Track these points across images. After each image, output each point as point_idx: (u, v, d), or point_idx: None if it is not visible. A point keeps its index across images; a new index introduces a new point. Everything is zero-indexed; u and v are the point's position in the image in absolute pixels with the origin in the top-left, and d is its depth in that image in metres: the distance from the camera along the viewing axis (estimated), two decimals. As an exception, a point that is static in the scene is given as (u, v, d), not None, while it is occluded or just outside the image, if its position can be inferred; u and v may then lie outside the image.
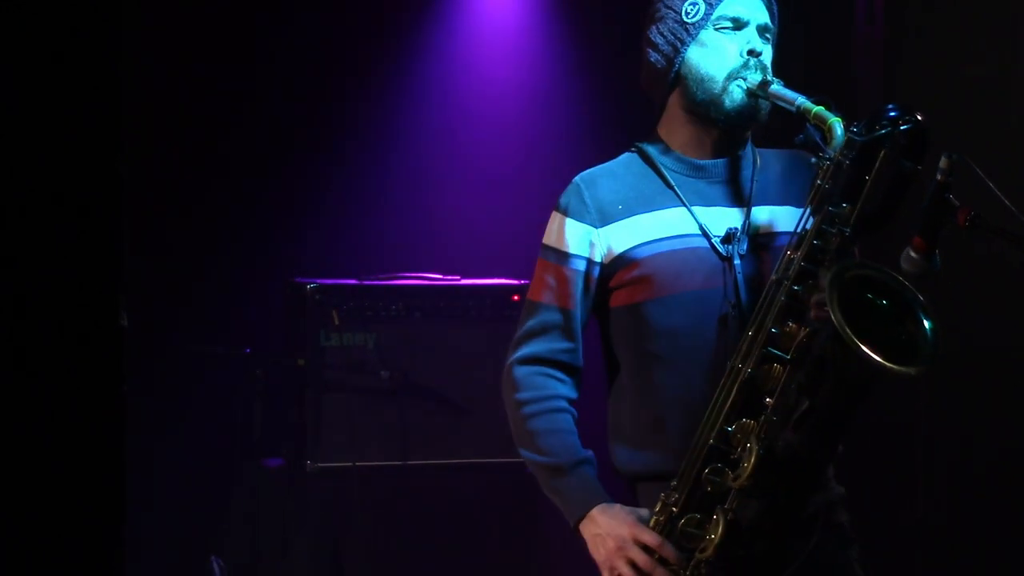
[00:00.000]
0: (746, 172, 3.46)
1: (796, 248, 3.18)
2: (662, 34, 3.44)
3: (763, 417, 3.11)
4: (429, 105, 6.82)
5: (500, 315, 5.66)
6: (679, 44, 3.40)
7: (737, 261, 3.35)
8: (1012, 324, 6.19)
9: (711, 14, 3.38)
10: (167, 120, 6.16)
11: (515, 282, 5.71)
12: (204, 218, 6.34)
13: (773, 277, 3.20)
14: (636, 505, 3.36)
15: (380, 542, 5.62)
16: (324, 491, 5.62)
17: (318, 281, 5.74)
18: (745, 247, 3.37)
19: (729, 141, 3.45)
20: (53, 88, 1.32)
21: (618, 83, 6.32)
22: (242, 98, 6.44)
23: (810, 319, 3.11)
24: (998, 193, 3.16)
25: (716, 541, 3.11)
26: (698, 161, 3.45)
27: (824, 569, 3.32)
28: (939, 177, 3.13)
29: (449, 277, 5.92)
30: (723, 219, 3.40)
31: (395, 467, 5.64)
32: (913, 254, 3.14)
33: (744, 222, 3.40)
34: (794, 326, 3.13)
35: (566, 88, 6.96)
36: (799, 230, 3.20)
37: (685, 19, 3.40)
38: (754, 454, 3.07)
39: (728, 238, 3.37)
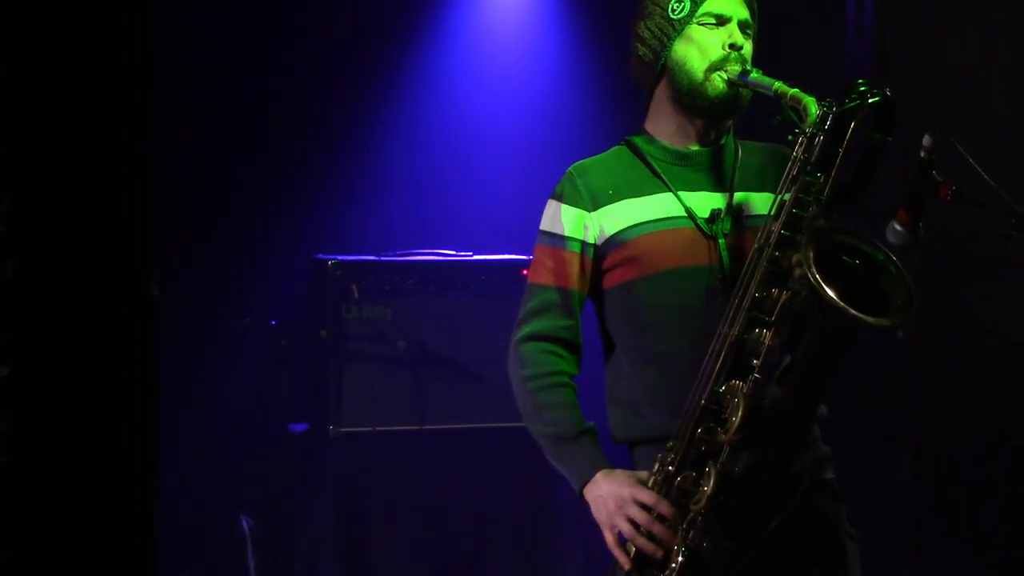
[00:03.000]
0: (728, 160, 3.48)
1: (776, 217, 3.20)
2: (649, 29, 3.47)
3: (750, 376, 3.13)
4: (445, 91, 6.81)
5: (509, 288, 5.66)
6: (665, 38, 3.44)
7: (721, 240, 3.37)
8: (997, 294, 6.19)
9: (695, 11, 3.41)
10: (201, 107, 6.15)
11: (524, 257, 5.70)
12: (234, 200, 6.34)
13: (755, 245, 3.21)
14: (634, 469, 3.37)
15: (398, 501, 5.63)
16: (345, 454, 5.63)
17: (339, 257, 5.74)
18: (728, 227, 3.39)
19: (712, 130, 3.48)
20: (90, 72, 1.33)
21: (625, 70, 6.32)
22: (270, 88, 6.44)
23: (791, 283, 3.12)
24: (978, 169, 3.16)
25: (708, 493, 3.11)
26: (683, 150, 3.47)
27: (816, 521, 3.34)
28: (923, 154, 3.14)
29: (462, 253, 5.92)
30: (707, 202, 3.42)
31: (412, 431, 5.65)
32: (898, 227, 3.16)
33: (727, 205, 3.42)
34: (776, 291, 3.14)
35: (576, 73, 6.94)
36: (777, 200, 3.22)
37: (671, 15, 3.43)
38: (741, 409, 3.09)
39: (712, 218, 3.39)
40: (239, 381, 6.06)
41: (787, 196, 3.20)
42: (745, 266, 3.22)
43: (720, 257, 3.37)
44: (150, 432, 1.42)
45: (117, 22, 1.35)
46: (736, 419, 3.09)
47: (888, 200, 3.26)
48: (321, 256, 5.79)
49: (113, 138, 1.35)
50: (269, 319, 5.86)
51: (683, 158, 3.47)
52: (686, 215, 3.40)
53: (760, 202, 3.42)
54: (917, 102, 5.73)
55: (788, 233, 3.17)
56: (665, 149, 3.48)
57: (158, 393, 1.43)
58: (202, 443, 5.96)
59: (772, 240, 3.18)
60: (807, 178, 3.19)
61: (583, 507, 3.36)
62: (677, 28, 3.42)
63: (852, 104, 3.17)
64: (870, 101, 3.17)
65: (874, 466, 6.13)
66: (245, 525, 5.69)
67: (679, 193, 3.42)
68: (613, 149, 3.56)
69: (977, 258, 5.78)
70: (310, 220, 6.38)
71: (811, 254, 3.02)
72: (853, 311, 2.99)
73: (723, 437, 3.13)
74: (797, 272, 3.10)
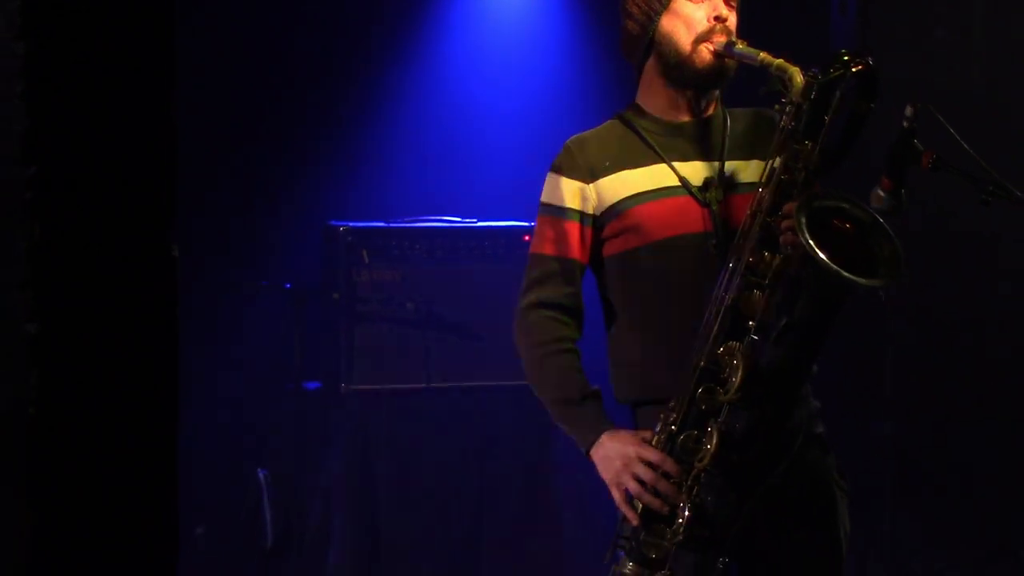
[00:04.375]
0: (717, 129, 3.47)
1: (766, 184, 3.19)
2: (637, 4, 3.44)
3: (746, 337, 3.12)
4: (451, 65, 6.79)
5: (512, 253, 5.67)
6: (652, 13, 3.41)
7: (715, 207, 3.36)
8: (976, 257, 6.19)
9: None
10: (220, 80, 6.14)
11: (525, 224, 5.70)
12: (251, 170, 6.34)
13: (748, 211, 3.20)
14: (637, 429, 3.37)
15: (406, 455, 5.63)
16: (357, 411, 5.63)
17: (350, 224, 5.74)
18: (722, 195, 3.38)
19: (701, 100, 3.46)
20: (112, 40, 1.32)
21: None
22: (287, 63, 6.43)
23: (782, 246, 3.12)
24: (957, 137, 3.15)
25: (712, 450, 3.11)
26: (674, 121, 3.46)
27: (807, 473, 3.34)
28: (905, 124, 3.14)
29: (467, 220, 5.92)
30: (700, 172, 3.41)
31: (419, 389, 5.65)
32: (881, 192, 3.16)
33: (719, 173, 3.41)
34: (769, 255, 3.14)
35: (578, 45, 6.92)
36: (768, 168, 3.22)
37: None
38: (741, 369, 3.08)
39: (706, 186, 3.38)
40: (256, 341, 6.07)
41: (776, 164, 3.19)
42: (738, 232, 3.21)
43: (714, 224, 3.36)
44: (172, 388, 1.42)
45: (140, 9, 1.34)
46: (736, 379, 3.09)
47: (872, 167, 3.25)
48: (333, 223, 5.79)
49: (135, 107, 1.34)
50: (284, 282, 5.86)
51: (675, 129, 3.46)
52: (681, 185, 3.39)
53: (750, 169, 3.41)
54: (899, 75, 5.72)
55: (779, 199, 3.16)
56: (657, 121, 3.47)
57: (178, 348, 1.43)
58: (220, 400, 5.97)
59: (764, 206, 3.17)
60: (795, 146, 3.18)
61: (581, 458, 3.36)
62: (663, 3, 3.40)
63: (836, 74, 3.16)
64: (853, 70, 3.15)
65: (857, 419, 6.14)
66: (262, 477, 5.70)
67: (673, 163, 3.41)
68: (606, 123, 3.54)
69: (958, 221, 5.78)
70: (323, 188, 6.38)
71: (803, 219, 3.02)
72: (846, 274, 2.99)
73: (723, 396, 3.12)
74: (790, 237, 3.09)
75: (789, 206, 3.12)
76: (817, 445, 3.39)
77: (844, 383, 5.95)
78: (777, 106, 3.23)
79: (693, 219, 3.37)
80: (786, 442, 3.24)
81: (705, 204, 3.37)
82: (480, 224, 5.88)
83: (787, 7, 6.29)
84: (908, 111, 3.13)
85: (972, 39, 6.56)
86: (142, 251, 1.36)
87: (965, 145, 3.15)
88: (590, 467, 3.33)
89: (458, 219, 5.93)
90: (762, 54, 3.26)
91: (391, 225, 5.81)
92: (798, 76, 3.18)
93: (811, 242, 2.98)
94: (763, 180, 3.21)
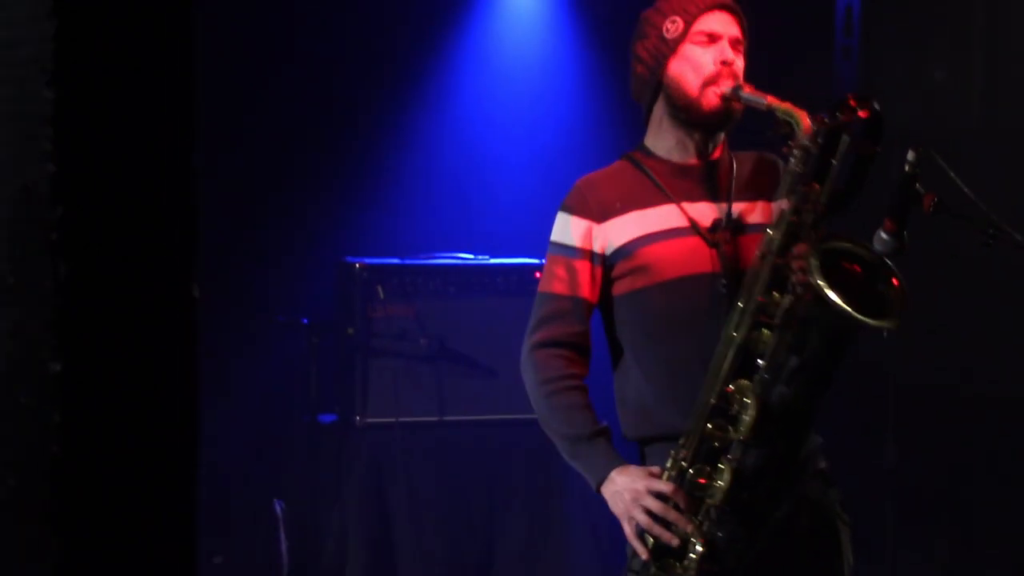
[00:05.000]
0: (724, 171, 3.45)
1: (776, 226, 3.19)
2: (646, 49, 3.43)
3: (757, 376, 3.12)
4: (465, 107, 6.82)
5: (524, 289, 5.67)
6: (661, 57, 3.40)
7: (723, 248, 3.35)
8: (977, 292, 6.18)
9: (688, 30, 3.37)
10: (238, 123, 6.16)
11: (536, 261, 5.71)
12: (270, 208, 6.37)
13: (758, 253, 3.20)
14: (645, 466, 3.35)
15: (419, 486, 5.63)
16: (371, 443, 5.63)
17: (366, 260, 5.75)
18: (729, 236, 3.36)
19: (708, 142, 3.45)
20: (134, 86, 1.33)
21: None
22: (304, 107, 6.46)
23: (792, 286, 3.12)
24: (958, 181, 3.16)
25: (725, 487, 3.10)
26: (682, 163, 3.44)
27: (811, 507, 3.33)
28: (907, 167, 3.14)
29: (479, 257, 5.93)
30: (708, 212, 3.39)
31: (433, 422, 5.65)
32: (884, 235, 3.16)
33: (726, 214, 3.39)
34: (779, 295, 3.13)
35: (586, 88, 6.94)
36: (777, 210, 3.22)
37: (666, 35, 3.39)
38: (754, 409, 3.08)
39: (714, 228, 3.36)
40: (273, 375, 6.08)
41: (785, 206, 3.19)
42: (748, 272, 3.21)
43: (723, 264, 3.34)
44: (193, 423, 1.42)
45: (159, 35, 1.35)
46: (749, 418, 3.09)
47: (875, 210, 3.25)
48: (349, 259, 5.80)
49: (157, 153, 1.35)
50: (301, 317, 5.86)
51: (683, 170, 3.43)
52: (690, 226, 3.37)
53: (756, 211, 3.41)
54: (901, 117, 5.72)
55: (788, 240, 3.16)
56: (665, 162, 3.44)
57: (199, 386, 1.43)
58: (238, 432, 5.97)
59: (773, 247, 3.16)
60: (803, 188, 3.17)
61: (592, 491, 3.35)
62: (671, 47, 3.38)
63: (843, 118, 3.16)
64: (859, 115, 3.15)
65: (860, 453, 6.12)
66: (278, 509, 5.70)
67: (682, 204, 3.39)
68: (616, 164, 3.52)
69: (958, 260, 5.78)
70: (339, 226, 6.40)
71: (814, 261, 3.02)
72: (858, 315, 2.98)
73: (735, 434, 3.12)
74: (801, 277, 3.09)
75: (800, 247, 3.12)
76: (820, 479, 3.38)
77: (846, 416, 5.94)
78: (784, 148, 3.23)
79: (702, 260, 3.35)
80: (794, 478, 3.24)
81: (713, 245, 3.35)
82: (492, 261, 5.89)
83: (790, 51, 6.30)
84: (910, 155, 3.13)
85: (972, 81, 6.57)
86: (164, 291, 1.37)
87: (966, 189, 3.16)
88: (601, 500, 3.32)
89: (471, 256, 5.94)
90: (768, 98, 3.25)
91: (405, 262, 5.82)
92: (805, 120, 3.17)
93: (823, 283, 2.98)
94: (772, 222, 3.21)
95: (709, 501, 3.13)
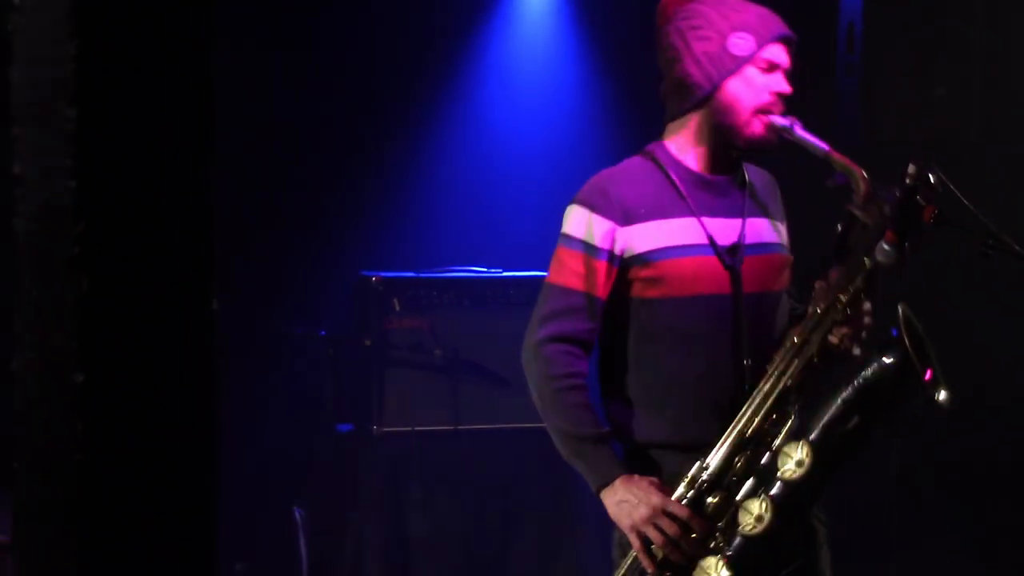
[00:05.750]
0: (739, 187, 3.43)
1: (848, 280, 3.17)
2: (707, 55, 3.31)
3: (810, 424, 3.12)
4: (478, 127, 6.82)
5: (535, 301, 5.67)
6: (724, 71, 3.30)
7: (738, 270, 3.32)
8: (978, 302, 6.17)
9: (756, 53, 3.31)
10: (256, 142, 6.17)
11: (547, 275, 5.70)
12: (288, 223, 6.37)
13: (816, 304, 3.18)
14: (638, 468, 3.32)
15: (434, 494, 5.63)
16: (387, 452, 5.63)
17: (382, 274, 5.75)
18: (743, 256, 3.34)
19: (736, 161, 3.42)
20: (152, 101, 1.33)
21: (642, 95, 6.33)
22: (321, 127, 6.47)
23: (857, 346, 3.12)
24: (958, 194, 3.16)
25: (767, 524, 3.09)
26: (706, 176, 3.38)
27: None
28: (908, 180, 3.13)
29: (492, 270, 5.93)
30: (725, 230, 3.36)
31: (447, 431, 5.65)
32: (886, 246, 3.15)
33: (741, 233, 3.36)
34: (838, 340, 3.14)
35: (597, 102, 6.94)
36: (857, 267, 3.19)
37: (732, 50, 3.29)
38: (809, 457, 3.08)
39: (733, 250, 3.34)
40: (292, 386, 6.07)
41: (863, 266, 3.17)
42: (807, 317, 3.19)
43: (734, 286, 3.32)
44: (211, 433, 1.42)
45: (178, 53, 1.35)
46: (804, 465, 3.09)
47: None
48: (366, 273, 5.80)
49: (176, 169, 1.35)
50: (319, 329, 5.87)
51: (706, 184, 3.38)
52: (708, 243, 3.32)
53: (767, 229, 3.40)
54: (902, 133, 5.72)
55: (853, 307, 3.17)
56: (689, 172, 3.38)
57: (218, 397, 1.43)
58: (258, 442, 5.97)
59: (835, 313, 3.16)
60: (879, 242, 3.14)
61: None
62: (736, 64, 3.30)
63: (909, 198, 3.13)
64: (919, 187, 3.12)
65: (865, 460, 6.11)
66: (298, 516, 5.69)
67: (703, 219, 3.33)
68: (636, 160, 3.44)
69: (959, 270, 5.76)
70: (357, 241, 6.40)
71: (907, 335, 3.03)
72: (944, 394, 3.09)
73: (785, 476, 3.10)
74: (868, 326, 3.11)
75: (866, 307, 3.14)
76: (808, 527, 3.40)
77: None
78: (848, 205, 3.17)
79: (716, 280, 3.32)
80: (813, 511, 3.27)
81: (728, 267, 3.32)
82: (505, 274, 5.89)
83: (793, 66, 6.30)
84: (911, 168, 3.13)
85: (971, 98, 6.56)
86: (183, 304, 1.37)
87: (965, 201, 3.16)
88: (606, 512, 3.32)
89: (484, 269, 5.93)
90: (824, 147, 3.21)
91: (421, 275, 5.82)
92: (863, 183, 3.13)
93: (915, 357, 3.00)
94: (848, 272, 3.19)
95: (747, 532, 3.10)
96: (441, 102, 6.78)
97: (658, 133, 3.49)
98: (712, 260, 3.32)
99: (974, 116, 6.54)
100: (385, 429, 5.62)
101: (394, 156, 6.64)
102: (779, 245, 3.42)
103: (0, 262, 1.62)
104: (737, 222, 3.37)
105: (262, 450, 6.00)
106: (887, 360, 3.07)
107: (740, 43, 3.30)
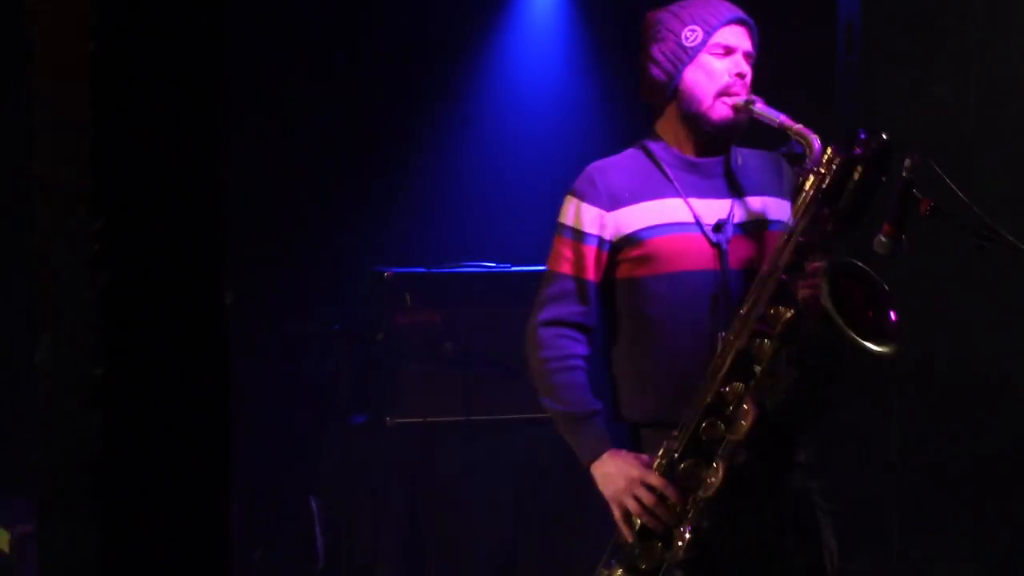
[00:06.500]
0: (730, 169, 3.47)
1: (785, 243, 3.19)
2: (663, 53, 3.44)
3: (753, 382, 3.13)
4: (485, 125, 6.82)
5: (544, 295, 5.70)
6: (679, 63, 3.41)
7: (724, 247, 3.36)
8: (972, 293, 6.16)
9: (707, 40, 3.40)
10: (267, 138, 6.18)
11: (556, 269, 5.72)
12: (303, 221, 6.38)
13: (765, 268, 3.21)
14: (634, 446, 3.41)
15: (446, 482, 5.63)
16: (400, 442, 5.63)
17: (394, 270, 5.75)
18: (731, 234, 3.38)
19: (717, 144, 3.47)
20: (166, 99, 1.33)
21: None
22: (335, 122, 6.47)
23: (797, 302, 3.12)
24: (953, 187, 3.16)
25: (717, 483, 3.14)
26: (692, 159, 3.46)
27: (791, 498, 3.34)
28: (904, 174, 3.14)
29: (502, 265, 5.93)
30: (713, 209, 3.41)
31: (458, 421, 5.65)
32: (883, 239, 3.16)
33: (730, 212, 3.40)
34: (782, 308, 3.14)
35: (601, 101, 6.94)
36: (788, 229, 3.22)
37: (684, 43, 3.40)
38: (751, 415, 3.10)
39: (718, 227, 3.38)
40: (307, 379, 6.08)
41: (795, 226, 3.20)
42: (754, 283, 3.22)
43: (721, 263, 3.36)
44: (225, 423, 1.43)
45: (193, 52, 1.36)
46: (746, 423, 3.11)
47: (875, 214, 3.25)
48: (378, 268, 5.80)
49: (191, 167, 1.36)
50: (333, 324, 5.87)
51: (693, 166, 3.45)
52: (694, 222, 3.39)
53: (759, 207, 3.43)
54: (899, 128, 5.70)
55: (796, 259, 3.16)
56: (677, 157, 3.46)
57: (230, 390, 1.44)
58: (276, 434, 5.98)
59: (781, 264, 3.17)
60: (814, 211, 3.18)
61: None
62: (690, 55, 3.40)
63: (856, 150, 3.15)
64: (873, 148, 3.15)
65: (862, 445, 6.11)
66: (314, 504, 5.70)
67: (689, 199, 3.41)
68: (629, 151, 3.54)
69: (954, 261, 5.76)
70: (370, 237, 6.41)
71: (826, 285, 3.03)
72: (859, 338, 3.00)
73: (731, 435, 3.14)
74: (807, 293, 3.10)
75: (812, 266, 3.13)
76: (801, 471, 3.38)
77: (848, 408, 5.92)
78: (796, 169, 3.24)
79: (702, 256, 3.37)
80: (782, 479, 3.25)
81: (715, 244, 3.37)
82: (513, 269, 5.89)
83: (793, 68, 6.29)
84: (908, 162, 3.14)
85: (968, 96, 6.56)
86: (197, 298, 1.38)
87: (961, 194, 3.16)
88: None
89: (494, 264, 5.94)
90: (781, 118, 3.27)
91: (431, 271, 5.82)
92: (816, 144, 3.18)
93: (831, 306, 2.99)
94: (782, 241, 3.22)
95: (700, 494, 3.15)
96: (451, 93, 6.78)
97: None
98: (698, 237, 3.38)
99: (972, 114, 6.53)
100: (397, 420, 5.62)
101: (406, 155, 6.64)
102: (775, 222, 3.44)
103: (20, 259, 1.63)
104: (726, 202, 3.43)
105: (280, 442, 6.01)
106: (824, 318, 3.06)
107: (691, 35, 3.41)
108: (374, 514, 5.67)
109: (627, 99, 6.69)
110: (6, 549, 4.19)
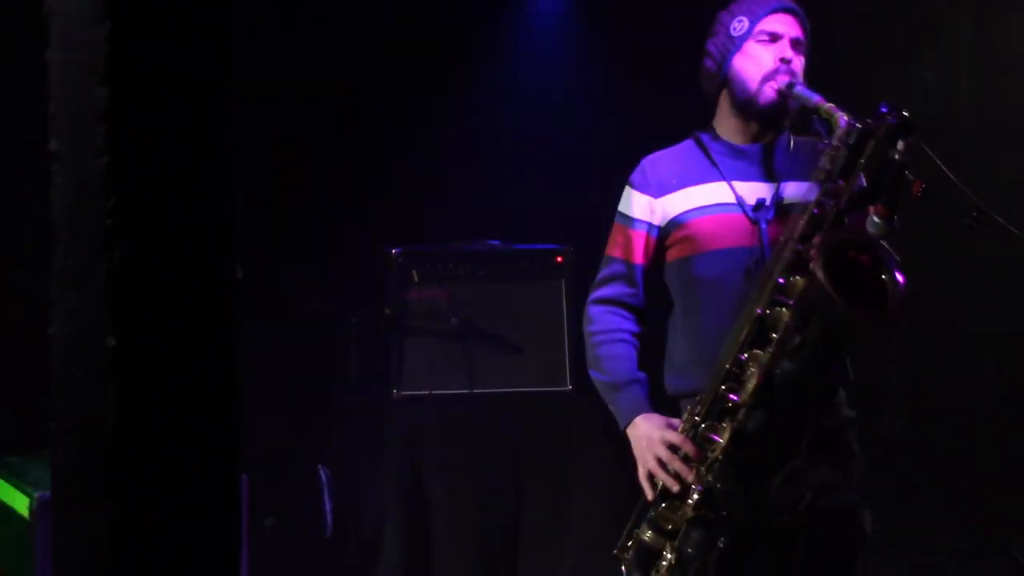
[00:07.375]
0: (779, 155, 3.52)
1: (800, 214, 3.22)
2: (715, 45, 3.54)
3: (767, 349, 3.15)
4: (494, 102, 6.81)
5: (547, 273, 5.69)
6: (727, 53, 3.50)
7: (764, 225, 3.39)
8: (966, 274, 6.16)
9: (752, 29, 3.47)
10: (279, 120, 6.17)
11: (559, 247, 5.71)
12: (314, 200, 6.38)
13: (781, 238, 3.23)
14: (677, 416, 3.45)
15: (451, 453, 5.63)
16: (407, 413, 5.63)
17: (402, 247, 5.75)
18: (772, 215, 3.42)
19: (766, 130, 3.52)
20: (175, 80, 1.33)
21: (654, 83, 6.33)
22: (342, 108, 6.47)
23: (807, 274, 3.14)
24: (944, 169, 3.16)
25: (723, 444, 3.18)
26: (740, 146, 3.53)
27: (829, 490, 3.36)
28: (896, 156, 3.13)
29: (506, 242, 5.92)
30: (757, 192, 3.46)
31: (463, 394, 5.65)
32: (876, 219, 3.15)
33: (773, 194, 3.44)
34: (797, 278, 3.16)
35: (606, 86, 6.92)
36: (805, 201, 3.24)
37: (732, 34, 3.49)
38: (756, 377, 3.12)
39: (758, 207, 3.42)
40: (317, 352, 6.08)
41: (812, 197, 3.22)
42: (773, 253, 3.24)
43: (760, 240, 3.40)
44: (235, 399, 1.43)
45: (202, 35, 1.35)
46: (751, 386, 3.14)
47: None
48: (387, 246, 5.80)
49: (201, 146, 1.35)
50: (342, 299, 5.87)
51: (740, 152, 3.52)
52: (736, 202, 3.44)
53: (800, 191, 3.43)
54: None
55: (810, 230, 3.19)
56: (726, 144, 3.54)
57: (240, 362, 1.43)
58: (287, 406, 5.99)
59: (795, 234, 3.20)
60: (830, 184, 3.21)
61: (613, 457, 3.42)
62: (736, 44, 3.48)
63: (872, 123, 3.18)
64: (889, 122, 3.15)
65: (861, 420, 6.11)
66: (323, 474, 5.71)
67: (733, 183, 3.47)
68: (684, 143, 3.63)
69: (947, 242, 5.76)
70: (378, 215, 6.41)
71: (824, 254, 3.04)
72: (852, 309, 3.01)
73: (739, 399, 3.16)
74: (813, 266, 3.11)
75: (817, 238, 3.14)
76: (846, 454, 3.41)
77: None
78: (821, 146, 3.26)
79: (743, 234, 3.42)
80: (794, 444, 3.25)
81: (754, 222, 3.41)
82: (518, 247, 5.88)
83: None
84: (900, 145, 3.13)
85: (958, 81, 6.55)
86: (208, 273, 1.37)
87: (952, 176, 3.16)
88: (623, 466, 3.40)
89: (499, 242, 5.93)
90: (815, 99, 3.31)
91: (438, 248, 5.81)
92: (839, 121, 3.22)
93: (824, 276, 3.00)
94: (798, 211, 3.25)
95: (711, 455, 3.18)
96: (459, 74, 6.76)
97: (689, 119, 3.69)
98: (739, 216, 3.44)
99: (963, 100, 6.52)
100: (404, 392, 5.63)
101: (415, 139, 6.63)
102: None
103: (35, 234, 1.63)
104: (770, 185, 3.47)
105: (290, 414, 6.02)
106: (816, 290, 3.07)
107: (738, 25, 3.49)
108: (381, 483, 5.67)
109: (635, 85, 6.71)
110: (26, 515, 4.20)
